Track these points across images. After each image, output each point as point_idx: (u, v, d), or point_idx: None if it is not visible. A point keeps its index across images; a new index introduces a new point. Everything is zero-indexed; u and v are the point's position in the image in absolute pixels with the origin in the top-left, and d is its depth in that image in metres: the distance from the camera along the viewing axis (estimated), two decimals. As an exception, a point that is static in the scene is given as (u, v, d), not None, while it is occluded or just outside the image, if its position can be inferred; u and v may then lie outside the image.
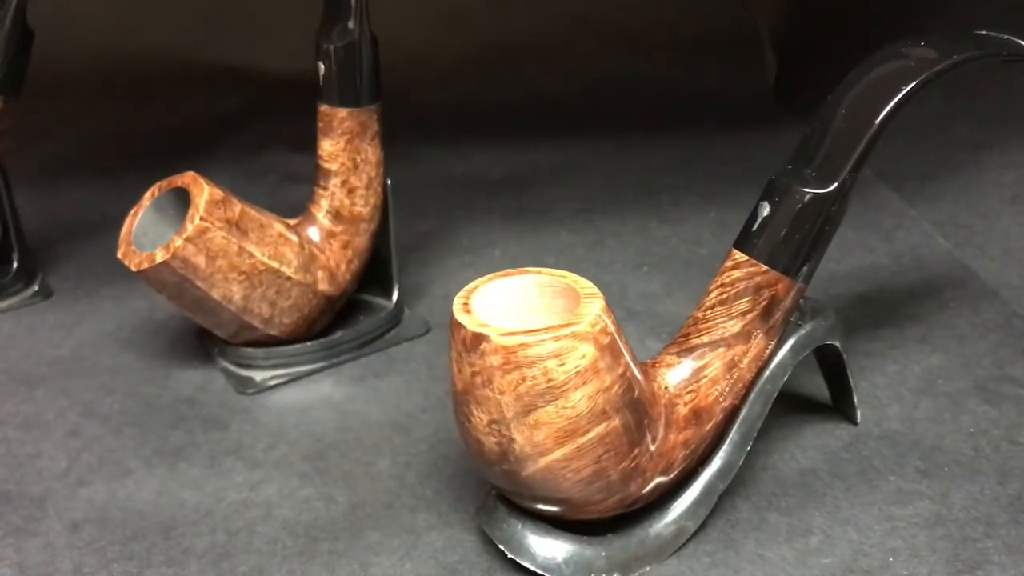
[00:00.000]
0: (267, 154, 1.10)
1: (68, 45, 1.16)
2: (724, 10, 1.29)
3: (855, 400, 0.64)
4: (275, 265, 0.69)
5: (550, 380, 0.46)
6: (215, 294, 0.67)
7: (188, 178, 0.68)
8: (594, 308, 0.48)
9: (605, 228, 0.90)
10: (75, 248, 0.95)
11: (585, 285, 0.51)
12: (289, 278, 0.70)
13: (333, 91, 0.71)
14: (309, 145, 1.12)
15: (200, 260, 0.66)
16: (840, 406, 0.65)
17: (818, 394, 0.67)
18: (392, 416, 0.67)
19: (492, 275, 0.53)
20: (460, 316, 0.49)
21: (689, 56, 1.24)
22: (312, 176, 1.08)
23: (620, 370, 0.48)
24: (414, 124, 1.16)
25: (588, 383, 0.47)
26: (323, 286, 0.72)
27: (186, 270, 0.66)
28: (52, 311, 0.83)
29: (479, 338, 0.47)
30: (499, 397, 0.47)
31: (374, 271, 0.78)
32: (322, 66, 0.71)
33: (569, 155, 1.07)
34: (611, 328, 0.48)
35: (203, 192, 0.67)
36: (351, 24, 0.70)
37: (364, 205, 0.74)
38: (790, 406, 0.66)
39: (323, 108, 0.72)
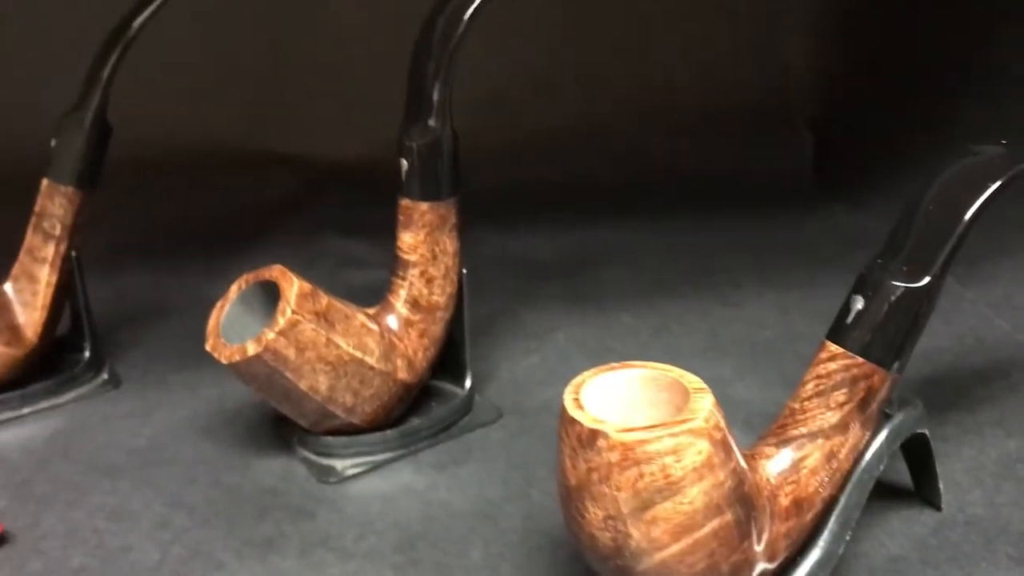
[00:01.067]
0: (321, 239, 1.12)
1: (120, 132, 1.19)
2: (763, 91, 1.32)
3: (940, 486, 0.65)
4: (359, 355, 0.70)
5: (668, 476, 0.47)
6: (303, 385, 0.68)
7: (276, 271, 0.70)
8: (706, 403, 0.49)
9: (668, 312, 0.91)
10: (138, 335, 0.96)
11: (692, 379, 0.52)
12: (372, 367, 0.71)
13: (415, 186, 0.73)
14: (361, 230, 1.15)
15: (290, 352, 0.67)
16: (923, 492, 0.66)
17: (897, 479, 0.68)
18: (477, 505, 0.68)
19: (597, 369, 0.54)
20: (574, 412, 0.50)
21: (730, 136, 1.27)
22: (368, 260, 1.11)
23: (732, 465, 0.49)
24: (463, 206, 1.18)
25: (704, 479, 0.48)
26: (402, 374, 0.73)
27: (277, 362, 0.67)
28: (124, 399, 0.84)
29: (596, 434, 0.48)
30: (616, 493, 0.48)
31: (445, 358, 0.79)
32: (405, 162, 0.73)
33: (620, 236, 1.09)
34: (722, 423, 0.49)
35: (293, 285, 0.68)
36: (434, 122, 0.73)
37: (441, 294, 0.75)
38: (873, 491, 0.66)
39: (404, 202, 0.74)
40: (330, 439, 0.74)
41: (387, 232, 1.14)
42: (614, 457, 0.47)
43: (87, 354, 0.87)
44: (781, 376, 0.80)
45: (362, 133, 1.23)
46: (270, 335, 0.66)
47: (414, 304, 0.75)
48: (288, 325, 0.67)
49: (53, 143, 0.84)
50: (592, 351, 0.87)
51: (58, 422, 0.81)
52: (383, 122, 1.32)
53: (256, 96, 1.24)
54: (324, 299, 0.70)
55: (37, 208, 0.84)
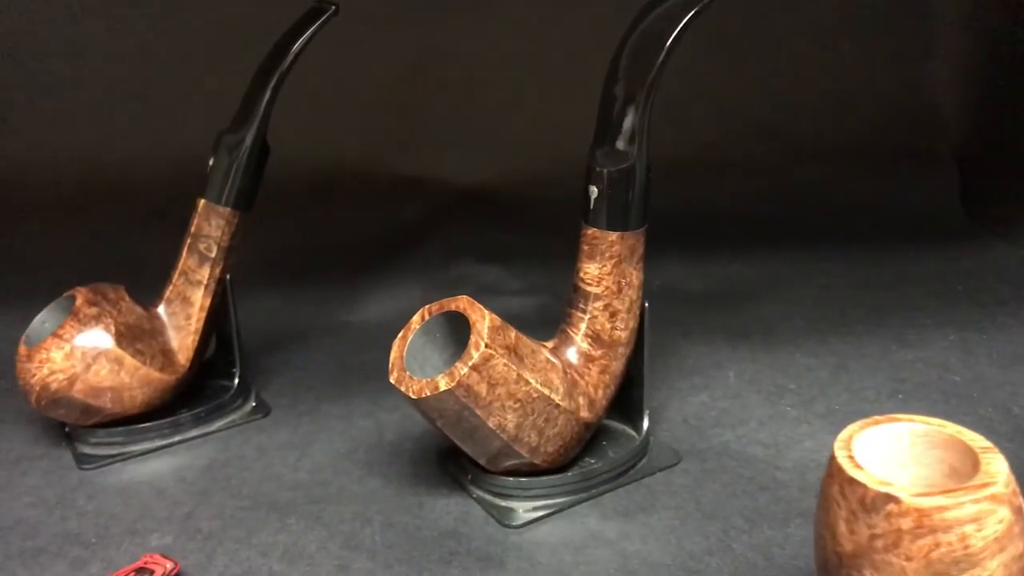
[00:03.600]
0: (457, 265, 1.08)
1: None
2: (907, 120, 1.27)
3: None
4: (546, 392, 0.66)
5: (967, 547, 0.43)
6: (491, 423, 0.65)
7: (464, 302, 0.66)
8: (1002, 466, 0.45)
9: (842, 350, 0.86)
10: (280, 361, 0.93)
11: (974, 437, 0.47)
12: (557, 405, 0.67)
13: (602, 214, 0.69)
14: (497, 257, 1.12)
15: (482, 388, 0.63)
16: None
17: None
18: (677, 558, 0.63)
19: (862, 423, 0.50)
20: (854, 472, 0.45)
21: (874, 167, 1.22)
22: (504, 288, 1.08)
23: (1028, 534, 0.44)
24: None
25: (1004, 550, 0.43)
26: (584, 413, 0.69)
27: (468, 398, 0.63)
28: (276, 429, 0.81)
29: (885, 498, 0.43)
30: (905, 563, 0.43)
31: (618, 396, 0.75)
32: (594, 189, 0.69)
33: (769, 269, 1.05)
34: (1018, 488, 0.45)
35: (484, 318, 0.65)
36: (627, 148, 0.69)
37: (624, 329, 0.71)
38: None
39: (590, 231, 0.70)
40: (508, 480, 0.70)
41: (522, 259, 1.11)
42: (906, 524, 0.43)
43: (236, 381, 0.84)
44: (983, 426, 0.74)
45: (490, 158, 1.20)
46: (463, 370, 0.63)
47: (596, 338, 0.71)
48: (481, 360, 0.63)
49: (211, 162, 0.82)
50: (767, 391, 0.82)
51: (212, 451, 0.78)
52: (511, 147, 1.31)
53: (385, 120, 1.21)
54: (512, 332, 0.66)
55: (193, 229, 0.82)
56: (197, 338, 0.81)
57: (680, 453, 0.75)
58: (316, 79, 1.16)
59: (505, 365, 0.64)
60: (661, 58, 0.66)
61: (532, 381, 0.65)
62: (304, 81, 1.18)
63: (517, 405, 0.65)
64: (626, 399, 0.75)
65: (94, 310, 0.76)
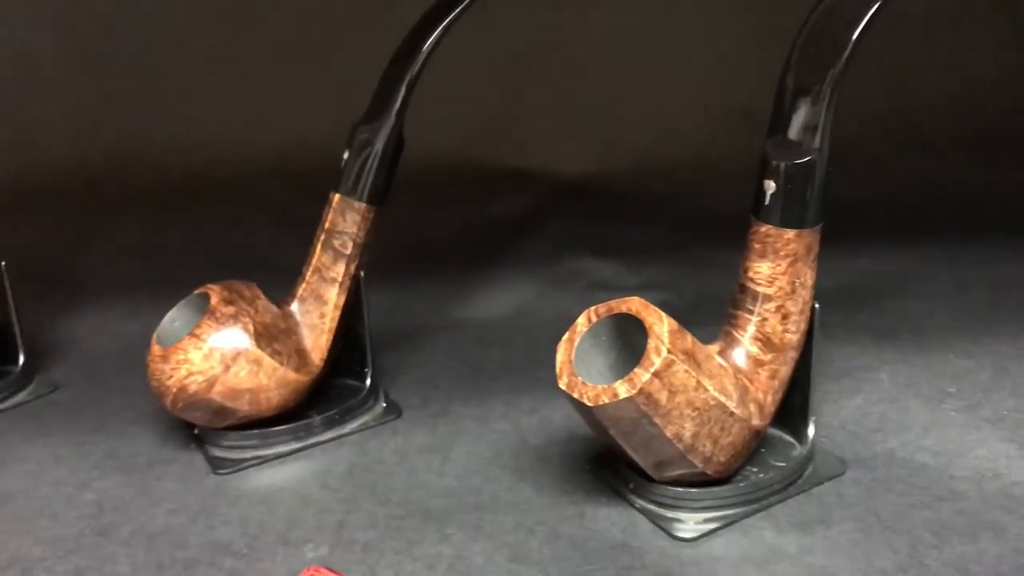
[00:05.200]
0: (569, 259, 1.05)
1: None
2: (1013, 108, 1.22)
3: None
4: (722, 399, 0.63)
5: None
6: (668, 432, 0.61)
7: (636, 304, 0.63)
8: None
9: (1000, 351, 0.82)
10: (401, 359, 0.91)
11: None
12: (732, 413, 0.64)
13: (777, 210, 0.66)
14: (610, 250, 1.08)
15: (663, 396, 0.60)
16: None
17: None
18: (868, 574, 0.60)
19: None
20: None
21: (986, 156, 1.17)
22: (619, 283, 1.04)
23: None
24: (708, 228, 1.11)
25: None
26: (755, 421, 0.66)
27: (648, 406, 0.60)
28: (412, 432, 0.78)
29: None
30: None
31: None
32: (771, 184, 0.66)
33: (897, 264, 1.01)
34: None
35: (662, 321, 0.61)
36: (805, 140, 0.65)
37: (795, 331, 0.68)
38: None
39: (764, 228, 0.66)
40: (676, 490, 0.66)
41: (637, 253, 1.07)
42: None
43: (368, 381, 0.82)
44: None
45: (597, 148, 1.16)
46: (644, 376, 0.59)
47: (766, 342, 0.67)
48: (663, 366, 0.60)
49: (345, 155, 0.79)
50: (925, 395, 0.78)
51: (349, 455, 0.76)
52: (618, 136, 1.27)
53: (488, 110, 1.18)
54: (688, 336, 0.63)
55: (327, 224, 0.79)
56: (331, 337, 0.79)
57: (845, 461, 0.71)
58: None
59: (685, 371, 0.61)
60: (849, 49, 0.63)
61: (710, 388, 0.62)
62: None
63: (695, 413, 0.62)
64: (786, 405, 0.72)
65: (231, 309, 0.73)
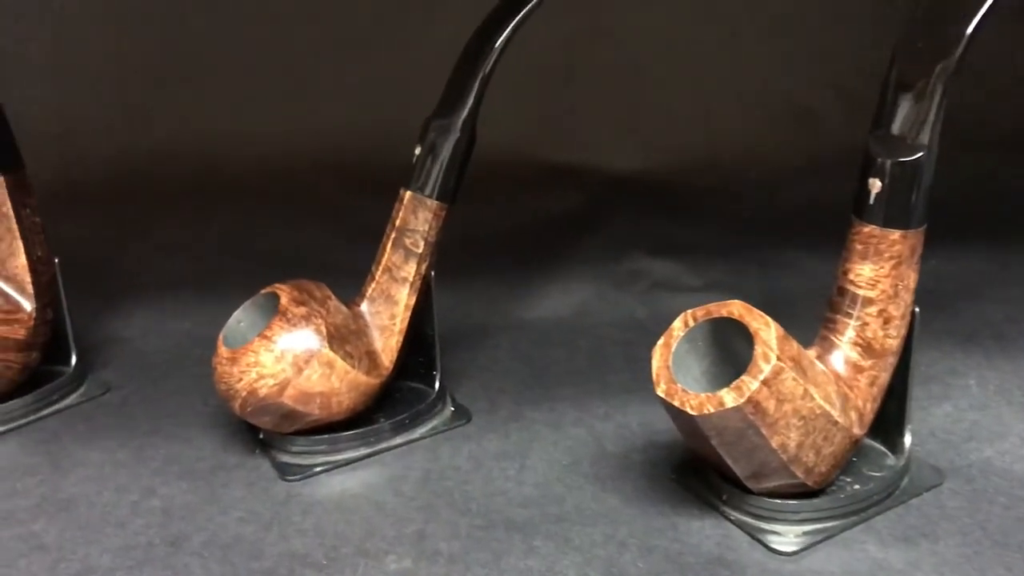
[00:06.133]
0: (628, 259, 1.02)
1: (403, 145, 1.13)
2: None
3: None
4: (827, 408, 0.60)
5: None
6: (774, 442, 0.59)
7: (738, 308, 0.60)
8: None
9: (1092, 358, 0.80)
10: (464, 361, 0.88)
11: None
12: (836, 422, 0.61)
13: (881, 210, 0.63)
14: (670, 250, 1.05)
15: (771, 405, 0.57)
16: None
17: None
18: (988, 594, 0.57)
19: None
20: None
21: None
22: (682, 283, 1.01)
23: None
24: (767, 226, 1.08)
25: None
26: (856, 429, 0.63)
27: (756, 416, 0.57)
28: (484, 437, 0.76)
29: None
30: None
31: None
32: (876, 183, 0.63)
33: (969, 265, 0.98)
34: None
35: (769, 326, 0.59)
36: (913, 137, 0.62)
37: (896, 336, 0.65)
38: None
39: (868, 229, 0.64)
40: (774, 502, 0.63)
41: (697, 252, 1.05)
42: None
43: (437, 384, 0.79)
44: None
45: (651, 144, 1.14)
46: (753, 384, 0.57)
47: (866, 347, 0.65)
48: (772, 374, 0.57)
49: (416, 152, 0.76)
50: (1019, 402, 0.75)
51: (421, 461, 0.73)
52: (673, 133, 1.24)
53: (541, 106, 1.15)
54: (794, 342, 0.60)
55: (398, 222, 0.76)
56: (401, 339, 0.76)
57: (941, 471, 0.69)
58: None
59: (794, 379, 0.58)
60: (963, 44, 0.60)
61: (816, 396, 0.59)
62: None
63: (801, 423, 0.59)
64: (881, 412, 0.69)
65: (302, 310, 0.71)
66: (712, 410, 0.57)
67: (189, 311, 0.99)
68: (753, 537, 0.63)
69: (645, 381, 0.82)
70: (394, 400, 0.79)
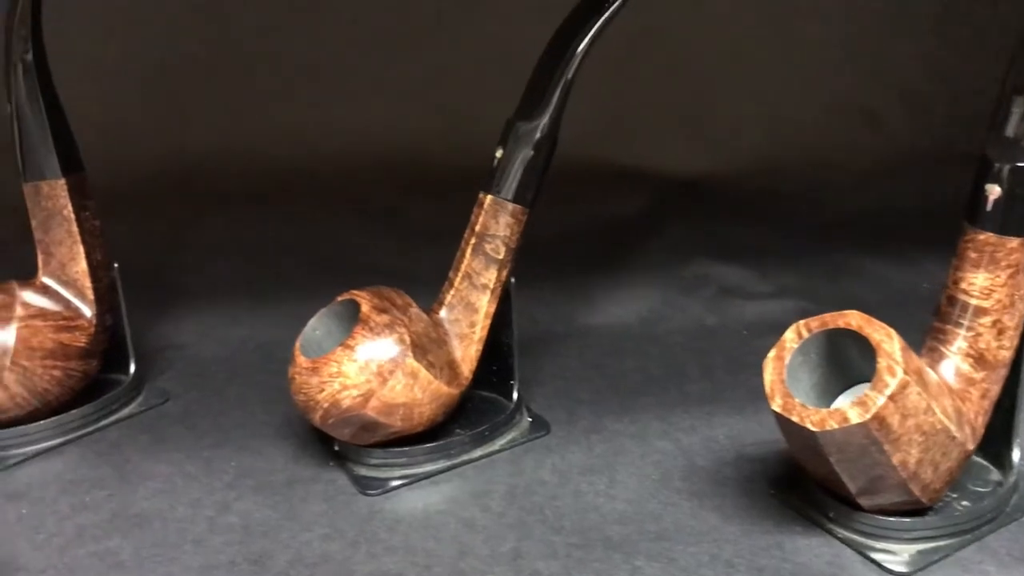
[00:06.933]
0: (693, 264, 1.00)
1: (463, 147, 1.11)
2: None
3: None
4: (947, 423, 0.58)
5: None
6: (895, 459, 0.56)
7: (857, 319, 0.58)
8: None
9: None
10: (534, 368, 0.85)
11: None
12: (953, 437, 0.58)
13: (998, 217, 0.60)
14: (736, 254, 1.03)
15: (895, 421, 0.55)
16: None
17: None
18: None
19: None
20: None
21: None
22: (751, 290, 0.99)
23: None
24: (834, 231, 1.06)
25: None
26: (970, 444, 0.61)
27: (880, 432, 0.55)
28: (566, 449, 0.73)
29: None
30: None
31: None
32: (995, 188, 0.61)
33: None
34: None
35: (893, 339, 0.56)
36: (1034, 140, 0.60)
37: (1009, 348, 0.62)
38: None
39: (983, 236, 0.61)
40: (888, 520, 0.61)
41: (764, 257, 1.02)
42: None
43: (515, 395, 0.77)
44: None
45: (713, 146, 1.11)
46: (879, 400, 0.54)
47: (979, 359, 0.62)
48: (899, 388, 0.54)
49: (498, 154, 0.73)
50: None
51: (504, 475, 0.71)
52: (734, 136, 1.22)
53: (601, 107, 1.12)
54: (914, 355, 0.58)
55: (478, 227, 0.73)
56: (480, 347, 0.74)
57: (1044, 486, 0.67)
58: (525, 61, 1.08)
59: (918, 394, 0.55)
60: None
61: (937, 411, 0.57)
62: (511, 63, 1.10)
63: (922, 439, 0.57)
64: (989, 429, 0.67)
65: (385, 317, 0.68)
66: (836, 426, 0.55)
67: (242, 316, 0.96)
68: (864, 556, 0.60)
69: (725, 391, 0.81)
70: (467, 411, 0.76)
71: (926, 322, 0.87)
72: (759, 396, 0.79)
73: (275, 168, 1.10)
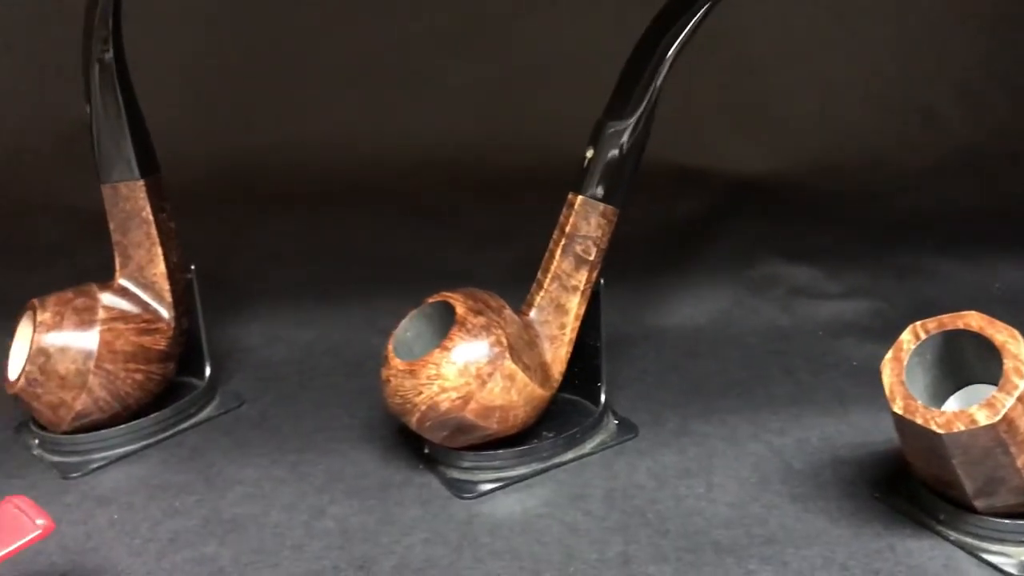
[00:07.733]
0: (762, 264, 0.99)
1: (521, 146, 1.10)
2: None
3: None
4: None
5: None
6: (1020, 461, 0.56)
7: (977, 320, 0.57)
8: None
9: None
10: (611, 370, 0.84)
11: None
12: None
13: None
14: (805, 255, 1.02)
15: (1022, 422, 0.54)
16: None
17: None
18: None
19: None
20: None
21: None
22: (821, 290, 0.97)
23: None
24: (899, 231, 1.05)
25: None
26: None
27: (1008, 434, 0.54)
28: (658, 452, 0.73)
29: None
30: None
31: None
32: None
33: None
34: None
35: (1018, 340, 0.56)
36: None
37: (1120, 349, 0.62)
38: None
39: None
40: (1002, 522, 0.60)
41: (834, 257, 1.01)
42: None
43: (603, 397, 0.76)
44: None
45: (776, 145, 1.11)
46: (1008, 401, 0.54)
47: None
48: (1028, 389, 0.54)
49: (588, 154, 0.73)
50: None
51: (598, 478, 0.70)
52: (795, 136, 1.21)
53: (662, 107, 1.11)
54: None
55: (568, 228, 0.73)
56: (570, 349, 0.73)
57: None
58: (586, 59, 1.07)
59: (1043, 394, 0.55)
60: None
61: (1053, 411, 0.56)
62: (572, 62, 1.10)
63: (1044, 440, 0.56)
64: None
65: (481, 320, 0.67)
66: (963, 428, 0.54)
67: (309, 319, 0.95)
68: (979, 558, 0.60)
69: (811, 393, 0.80)
70: (552, 413, 0.76)
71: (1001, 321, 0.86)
72: (846, 397, 0.80)
73: (336, 169, 1.09)
